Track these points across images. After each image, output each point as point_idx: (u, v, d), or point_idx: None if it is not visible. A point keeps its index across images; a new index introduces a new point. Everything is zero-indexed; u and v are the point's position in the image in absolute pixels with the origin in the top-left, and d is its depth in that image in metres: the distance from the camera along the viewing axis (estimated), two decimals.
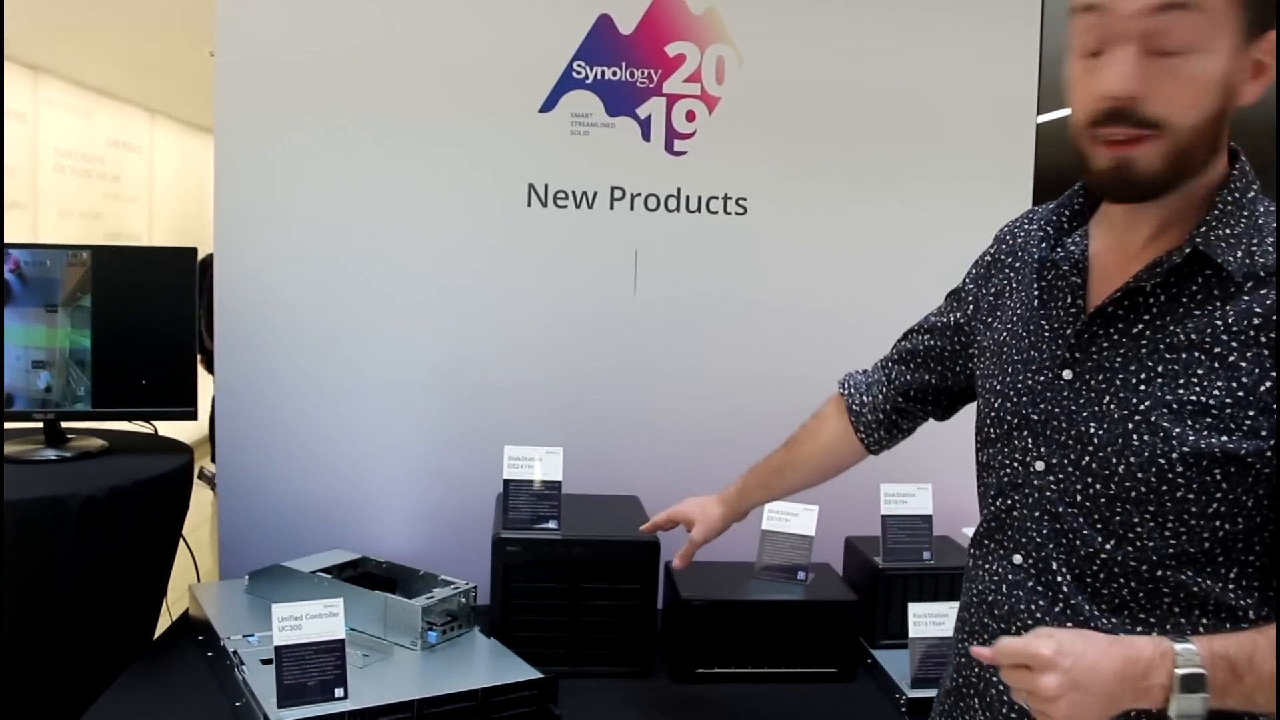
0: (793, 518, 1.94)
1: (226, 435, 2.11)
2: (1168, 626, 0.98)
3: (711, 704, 1.71)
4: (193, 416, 1.88)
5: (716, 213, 2.20)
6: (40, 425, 1.89)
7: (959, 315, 1.28)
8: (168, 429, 2.04)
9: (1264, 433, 0.91)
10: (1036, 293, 1.09)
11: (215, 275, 2.06)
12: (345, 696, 1.42)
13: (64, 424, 1.91)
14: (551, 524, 1.79)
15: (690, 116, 2.16)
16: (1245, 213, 0.97)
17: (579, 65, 2.12)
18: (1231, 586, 0.97)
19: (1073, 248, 1.06)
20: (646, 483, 2.15)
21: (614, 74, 2.12)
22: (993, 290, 1.19)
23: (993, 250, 1.23)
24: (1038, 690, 0.88)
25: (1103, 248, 1.05)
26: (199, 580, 2.04)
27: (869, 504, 1.96)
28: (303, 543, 2.01)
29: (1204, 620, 0.97)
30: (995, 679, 1.07)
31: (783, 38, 2.16)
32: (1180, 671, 0.87)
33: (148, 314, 1.85)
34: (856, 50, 2.18)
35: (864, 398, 1.42)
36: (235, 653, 1.57)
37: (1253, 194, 0.99)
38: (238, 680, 1.51)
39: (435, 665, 1.62)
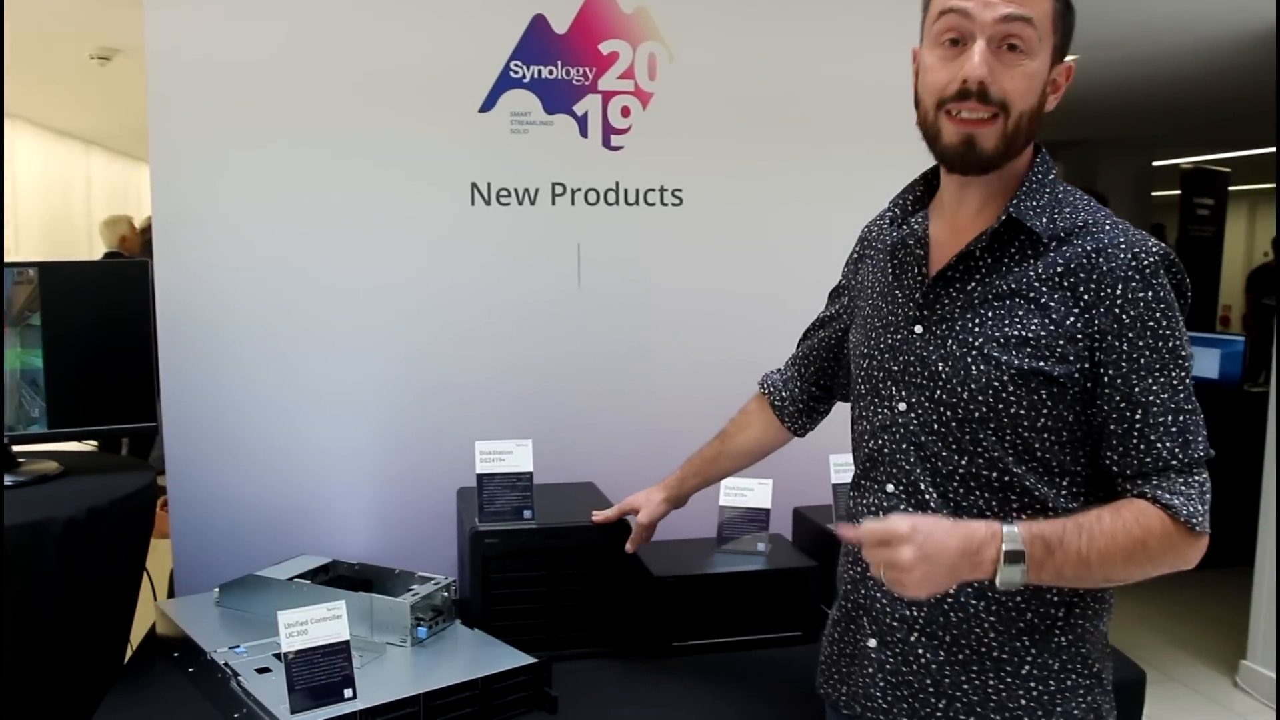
0: (749, 492, 2.04)
1: (176, 450, 2.07)
2: None
3: (690, 673, 1.79)
4: (154, 431, 1.85)
5: (654, 205, 2.27)
6: None
7: (838, 307, 1.54)
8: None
9: (1071, 358, 1.16)
10: (890, 269, 1.32)
11: (156, 287, 2.01)
12: (354, 696, 1.45)
13: (14, 448, 1.84)
14: (526, 514, 1.84)
15: (625, 112, 2.22)
16: (1048, 190, 1.22)
17: (516, 65, 2.15)
18: (1064, 494, 1.20)
19: (915, 227, 1.30)
20: (599, 468, 2.22)
21: (550, 73, 2.17)
22: (860, 278, 1.44)
23: (857, 248, 1.49)
24: (896, 561, 1.07)
25: (937, 226, 1.29)
26: (156, 599, 2.00)
27: (809, 476, 2.08)
28: (260, 553, 2.00)
29: None
30: (879, 594, 1.28)
31: (710, 34, 2.24)
32: (1005, 547, 1.09)
33: (101, 329, 1.80)
34: (780, 44, 2.28)
35: (783, 393, 1.65)
36: (228, 665, 1.57)
37: (1052, 176, 1.24)
38: (237, 691, 1.51)
39: (429, 659, 1.65)
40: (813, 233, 2.34)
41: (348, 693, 1.45)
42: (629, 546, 1.80)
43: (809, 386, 1.62)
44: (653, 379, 2.32)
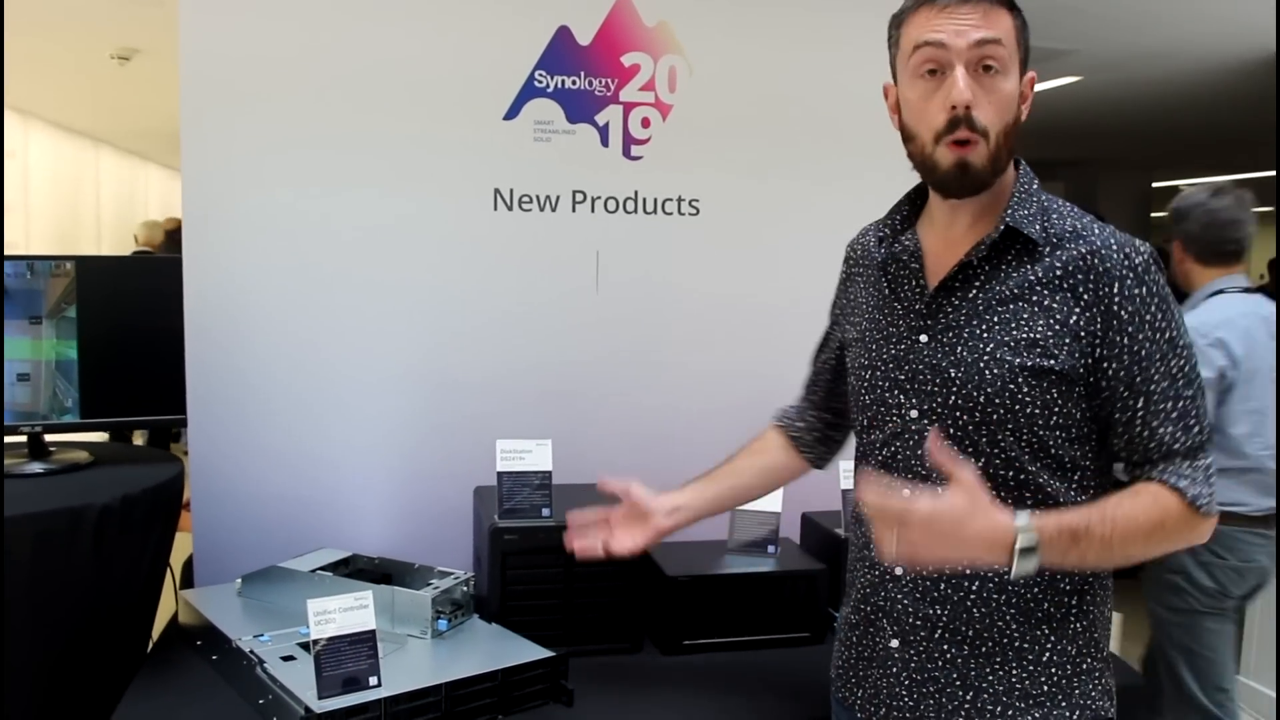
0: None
1: (199, 446, 2.11)
2: None
3: (700, 671, 1.83)
4: (182, 423, 1.89)
5: (671, 214, 2.32)
6: (24, 440, 1.86)
7: (833, 329, 1.57)
8: None
9: (1076, 355, 1.22)
10: (885, 284, 1.36)
11: (185, 284, 2.05)
12: (380, 684, 1.49)
13: (46, 436, 1.89)
14: (545, 511, 1.88)
15: (645, 123, 2.27)
16: (1034, 199, 1.28)
17: (540, 75, 2.21)
18: (1074, 488, 1.26)
19: (908, 243, 1.34)
20: (612, 470, 2.25)
21: (573, 83, 2.22)
22: (849, 297, 1.48)
23: (844, 268, 1.53)
24: (907, 534, 1.13)
25: (930, 241, 1.34)
26: (177, 589, 2.04)
27: (818, 483, 2.11)
28: (279, 547, 2.03)
29: None
30: (900, 596, 1.32)
31: (729, 48, 2.30)
32: (1020, 545, 1.13)
33: (134, 322, 1.85)
34: (798, 57, 2.34)
35: (798, 423, 1.65)
36: (253, 652, 1.61)
37: (1036, 186, 1.30)
38: (263, 678, 1.55)
39: (450, 651, 1.69)
40: (828, 243, 2.35)
41: (373, 680, 1.49)
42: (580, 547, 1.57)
43: (822, 413, 1.63)
44: (667, 384, 2.36)
